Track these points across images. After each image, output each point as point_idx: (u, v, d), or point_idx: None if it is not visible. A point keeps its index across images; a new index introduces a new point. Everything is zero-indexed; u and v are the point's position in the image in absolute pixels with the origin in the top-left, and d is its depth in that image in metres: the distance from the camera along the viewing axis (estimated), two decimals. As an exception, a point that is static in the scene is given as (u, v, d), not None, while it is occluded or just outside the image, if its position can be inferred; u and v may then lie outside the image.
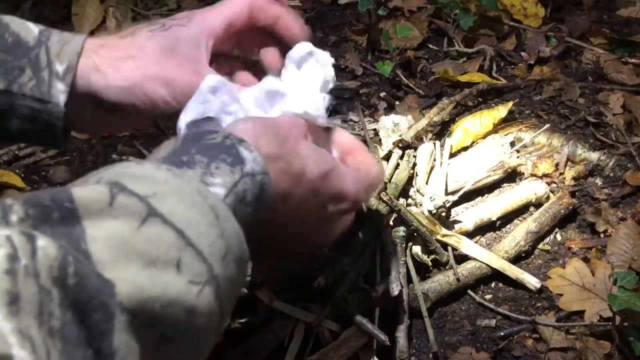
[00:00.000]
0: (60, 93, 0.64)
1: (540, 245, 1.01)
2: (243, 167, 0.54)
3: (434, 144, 1.04)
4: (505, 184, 1.07)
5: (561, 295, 0.94)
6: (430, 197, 0.96)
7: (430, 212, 0.95)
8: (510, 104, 1.15)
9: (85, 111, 0.67)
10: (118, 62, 0.65)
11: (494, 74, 1.28)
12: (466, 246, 0.96)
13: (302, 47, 0.75)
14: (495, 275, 0.96)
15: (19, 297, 0.34)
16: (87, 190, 0.43)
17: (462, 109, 1.19)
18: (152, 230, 0.44)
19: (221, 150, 0.54)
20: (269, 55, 0.75)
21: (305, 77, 0.75)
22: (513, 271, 0.95)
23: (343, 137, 0.74)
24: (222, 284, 0.47)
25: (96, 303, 0.38)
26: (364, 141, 1.11)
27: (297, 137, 0.62)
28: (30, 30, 0.66)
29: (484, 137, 1.10)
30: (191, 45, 0.68)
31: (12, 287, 0.34)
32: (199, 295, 0.44)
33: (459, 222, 0.98)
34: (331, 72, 0.78)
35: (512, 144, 1.07)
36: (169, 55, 0.67)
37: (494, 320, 0.93)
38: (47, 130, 0.66)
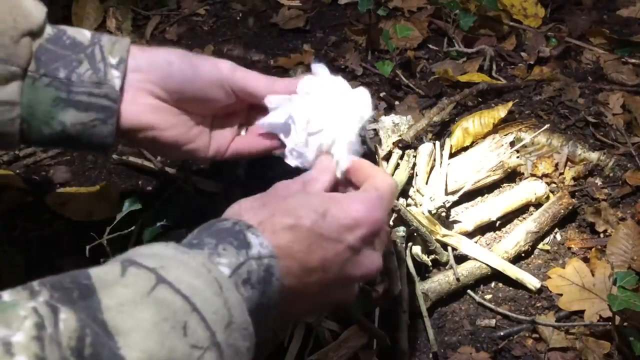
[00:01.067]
0: (115, 78, 0.72)
1: (540, 245, 1.01)
2: (249, 250, 0.57)
3: (434, 144, 1.04)
4: (505, 184, 1.07)
5: (561, 295, 0.94)
6: (430, 197, 0.96)
7: (430, 212, 0.95)
8: (510, 104, 1.15)
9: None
10: (162, 67, 0.74)
11: (493, 74, 1.28)
12: (466, 246, 0.96)
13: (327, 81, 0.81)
14: (495, 275, 0.96)
15: None
16: (102, 268, 0.49)
17: (462, 109, 1.19)
18: (160, 294, 0.48)
19: (229, 234, 0.58)
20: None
21: (343, 117, 0.78)
22: (513, 271, 0.95)
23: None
24: (226, 350, 0.50)
25: None
26: (364, 142, 1.11)
27: (278, 197, 0.65)
28: (84, 34, 0.74)
29: (484, 137, 1.10)
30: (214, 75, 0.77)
31: (40, 352, 0.39)
32: (201, 359, 0.48)
33: (459, 222, 0.99)
34: (368, 110, 0.79)
35: (512, 144, 1.07)
36: (211, 62, 0.76)
37: (494, 320, 0.93)
38: (101, 118, 0.72)
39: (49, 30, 0.73)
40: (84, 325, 0.42)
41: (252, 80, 0.78)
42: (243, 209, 0.64)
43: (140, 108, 0.74)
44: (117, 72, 0.72)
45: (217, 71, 0.76)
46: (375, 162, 0.68)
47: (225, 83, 0.76)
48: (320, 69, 0.82)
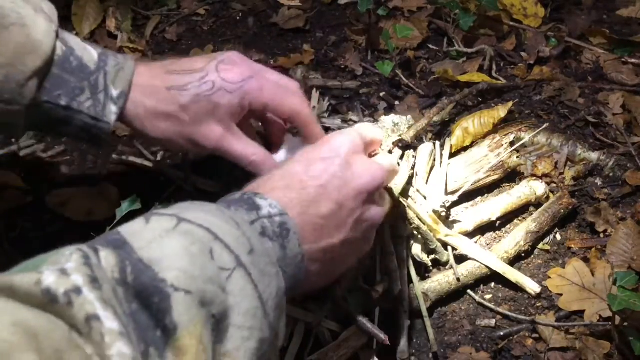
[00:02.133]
0: (112, 114, 0.76)
1: (540, 245, 1.01)
2: (259, 211, 0.62)
3: (434, 143, 1.04)
4: (505, 184, 1.07)
5: (561, 295, 0.94)
6: (430, 197, 0.96)
7: (430, 212, 0.95)
8: (510, 104, 1.15)
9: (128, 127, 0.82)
10: (158, 119, 0.78)
11: (493, 74, 1.28)
12: (466, 247, 0.96)
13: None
14: (495, 275, 0.96)
15: (98, 279, 0.42)
16: (128, 223, 0.53)
17: (462, 109, 1.19)
18: (184, 228, 0.52)
19: (239, 200, 0.63)
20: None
21: None
22: (513, 275, 0.95)
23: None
24: (253, 271, 0.54)
25: (152, 290, 0.46)
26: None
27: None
28: (91, 55, 0.77)
29: (484, 137, 1.10)
30: (228, 114, 0.79)
31: (91, 272, 0.42)
32: (229, 279, 0.51)
33: (459, 222, 0.98)
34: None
35: (512, 144, 1.07)
36: (205, 119, 0.78)
37: (494, 320, 0.93)
38: (96, 138, 0.78)
39: (58, 50, 0.74)
40: (123, 259, 0.47)
41: (238, 150, 0.82)
42: (260, 183, 0.68)
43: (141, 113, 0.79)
44: (115, 108, 0.76)
45: (207, 141, 0.80)
46: None
47: (215, 147, 0.81)
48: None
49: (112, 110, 0.75)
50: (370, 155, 0.84)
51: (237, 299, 0.51)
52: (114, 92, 0.75)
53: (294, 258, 0.63)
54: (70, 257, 0.43)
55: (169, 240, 0.50)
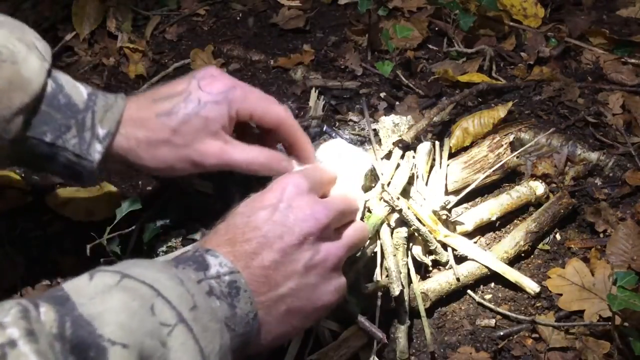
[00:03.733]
0: (96, 153, 0.75)
1: (540, 245, 1.01)
2: (207, 271, 0.62)
3: (433, 143, 1.04)
4: (505, 184, 1.07)
5: (561, 295, 0.94)
6: (430, 198, 0.96)
7: (430, 212, 0.95)
8: (510, 104, 1.16)
9: (115, 165, 0.81)
10: (154, 148, 0.77)
11: (493, 74, 1.28)
12: (466, 248, 0.96)
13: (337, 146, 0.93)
14: (495, 275, 0.96)
15: (35, 332, 0.43)
16: (72, 280, 0.54)
17: (462, 109, 1.19)
18: (126, 284, 0.53)
19: (189, 259, 0.63)
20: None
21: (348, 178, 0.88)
22: (513, 275, 0.95)
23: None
24: (195, 327, 0.54)
25: (90, 344, 0.47)
26: (362, 142, 1.11)
27: (236, 214, 0.70)
28: (81, 93, 0.76)
29: (484, 137, 1.10)
30: (220, 124, 0.78)
31: (28, 326, 0.43)
32: (170, 334, 0.52)
33: (459, 222, 0.98)
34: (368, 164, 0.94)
35: (512, 144, 1.07)
36: (199, 137, 0.77)
37: (494, 320, 0.93)
38: (79, 176, 0.78)
39: (48, 87, 0.74)
40: (63, 315, 0.48)
41: (240, 159, 0.80)
42: (207, 239, 0.68)
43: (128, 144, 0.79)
44: (100, 147, 0.75)
45: (207, 158, 0.79)
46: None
47: (217, 163, 0.80)
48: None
49: (97, 149, 0.75)
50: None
51: (177, 354, 0.52)
52: (101, 132, 0.75)
53: (245, 317, 0.62)
54: (8, 311, 0.44)
55: (110, 296, 0.51)
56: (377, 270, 0.90)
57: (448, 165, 1.03)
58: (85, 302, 0.50)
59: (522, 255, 0.99)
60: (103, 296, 0.51)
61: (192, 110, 0.77)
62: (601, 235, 1.01)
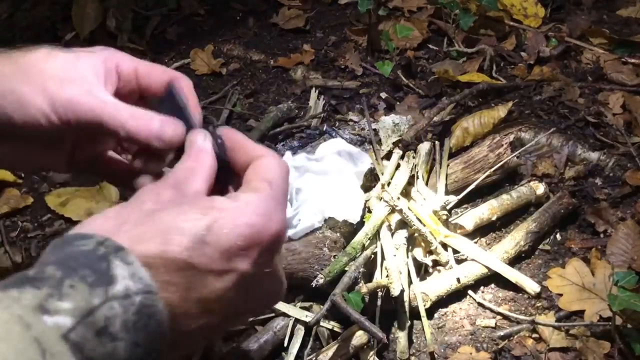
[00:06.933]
0: None
1: (540, 245, 1.01)
2: (109, 288, 0.42)
3: (433, 143, 1.04)
4: (505, 184, 1.07)
5: (561, 295, 0.94)
6: (431, 198, 0.96)
7: (430, 212, 0.95)
8: (510, 104, 1.15)
9: None
10: (18, 96, 0.57)
11: (494, 74, 1.28)
12: (466, 248, 0.96)
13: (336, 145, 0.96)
14: (495, 275, 0.96)
15: None
16: None
17: (462, 109, 1.19)
18: None
19: (87, 262, 0.43)
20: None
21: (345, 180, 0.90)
22: (513, 275, 0.95)
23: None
24: None
25: None
26: (362, 142, 1.11)
27: (143, 212, 0.48)
28: None
29: (484, 137, 1.10)
30: (90, 71, 0.61)
31: None
32: None
33: (459, 222, 0.98)
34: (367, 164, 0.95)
35: (512, 143, 1.07)
36: (61, 75, 0.60)
37: (494, 320, 0.93)
38: None
39: None
40: None
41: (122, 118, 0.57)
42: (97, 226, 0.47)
43: None
44: None
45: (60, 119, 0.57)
46: (232, 174, 0.53)
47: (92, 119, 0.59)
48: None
49: None
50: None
51: None
52: None
53: (147, 356, 0.43)
54: None
55: None
56: (377, 270, 0.90)
57: (448, 165, 1.03)
58: None
59: (523, 255, 0.98)
60: None
61: (62, 51, 0.61)
62: (601, 235, 1.01)
